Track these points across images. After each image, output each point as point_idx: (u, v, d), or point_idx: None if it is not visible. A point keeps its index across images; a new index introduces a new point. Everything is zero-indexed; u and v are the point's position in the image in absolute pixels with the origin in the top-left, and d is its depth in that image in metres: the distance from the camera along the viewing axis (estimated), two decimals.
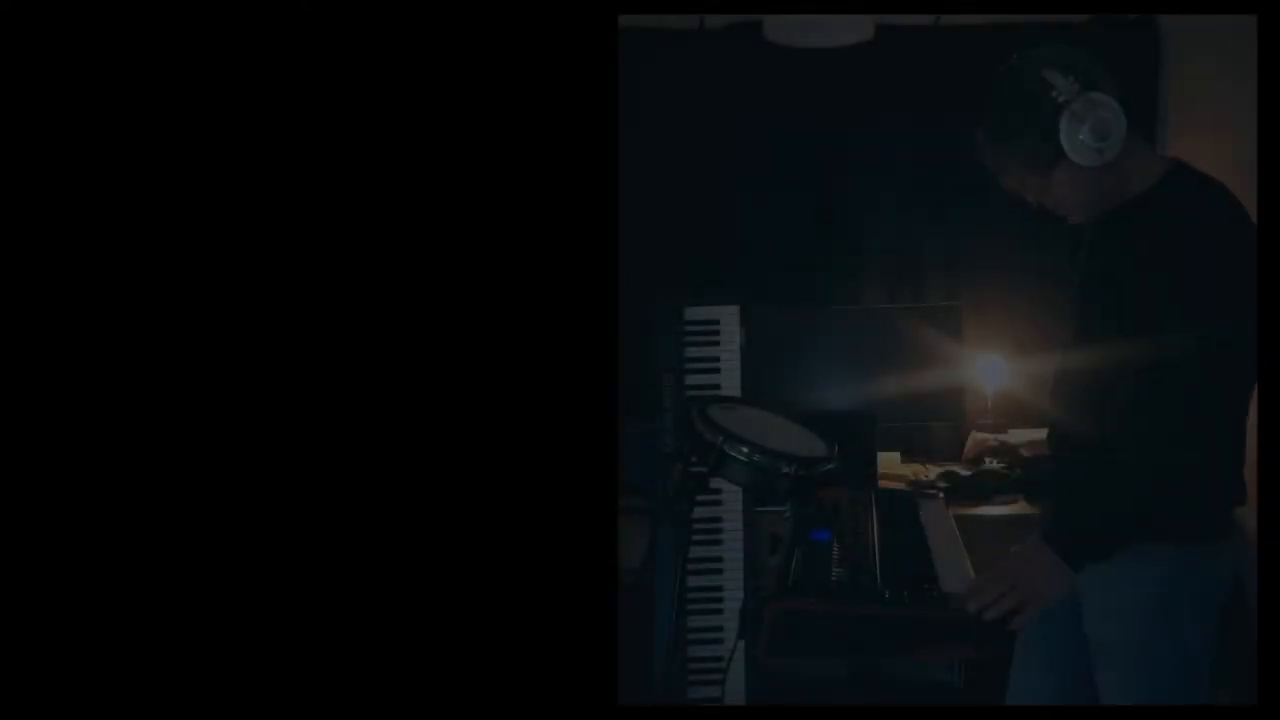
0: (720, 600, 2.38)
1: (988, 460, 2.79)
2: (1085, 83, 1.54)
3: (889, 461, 2.86)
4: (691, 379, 2.41)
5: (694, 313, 2.44)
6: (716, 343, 2.44)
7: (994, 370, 2.98)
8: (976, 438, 2.91)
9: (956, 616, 1.44)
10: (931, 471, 2.83)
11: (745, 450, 1.56)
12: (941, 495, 2.15)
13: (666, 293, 2.46)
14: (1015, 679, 1.84)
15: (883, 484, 2.61)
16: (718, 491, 2.36)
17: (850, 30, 2.69)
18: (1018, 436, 2.87)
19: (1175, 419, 1.52)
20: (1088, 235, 1.62)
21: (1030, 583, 1.52)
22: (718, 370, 2.43)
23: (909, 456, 2.99)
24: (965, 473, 2.75)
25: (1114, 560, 1.58)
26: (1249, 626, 1.72)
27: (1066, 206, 1.65)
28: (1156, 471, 1.54)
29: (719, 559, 2.38)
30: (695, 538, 2.03)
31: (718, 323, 2.44)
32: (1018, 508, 2.60)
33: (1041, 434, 2.80)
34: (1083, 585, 1.67)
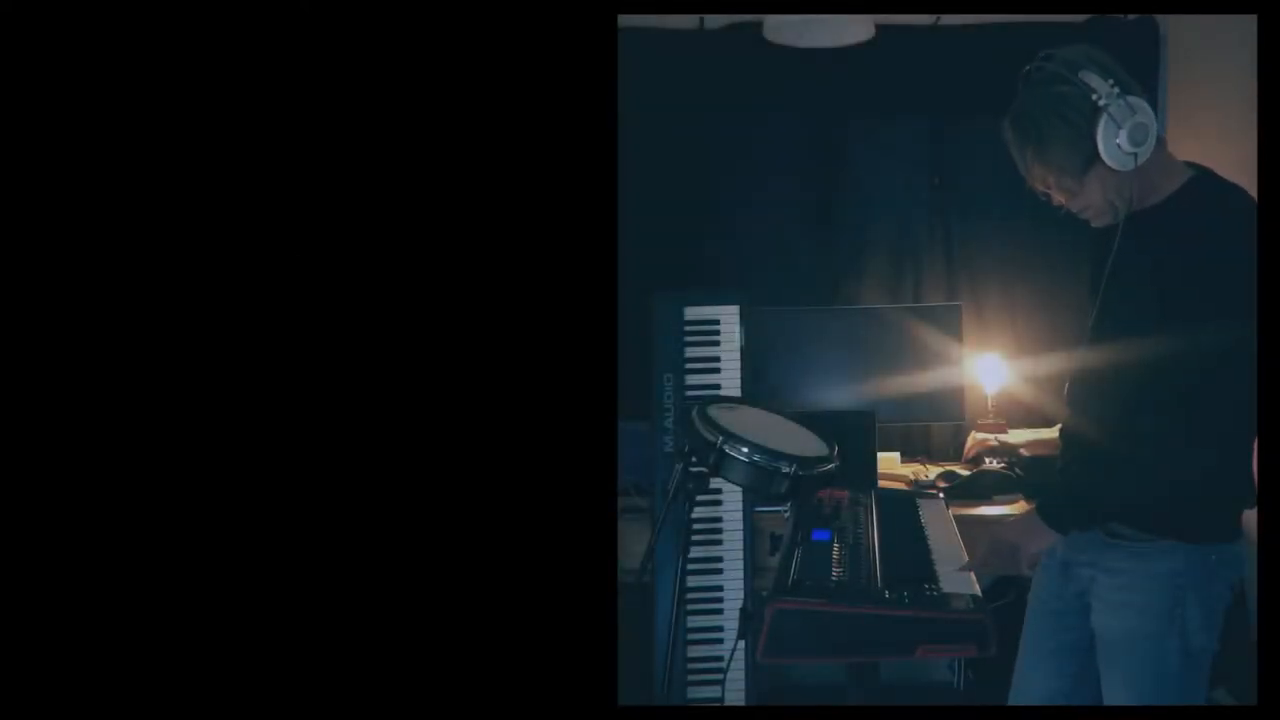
0: (720, 600, 2.39)
1: (988, 460, 2.79)
2: (1122, 86, 1.54)
3: (889, 461, 2.86)
4: (691, 379, 2.42)
5: (694, 313, 2.44)
6: (716, 343, 2.44)
7: (994, 370, 2.98)
8: (976, 438, 2.91)
9: (956, 616, 1.44)
10: (931, 471, 2.83)
11: (745, 450, 1.56)
12: (941, 495, 2.14)
13: (666, 293, 2.46)
14: (1019, 678, 1.84)
15: (883, 484, 2.61)
16: (718, 491, 2.36)
17: (850, 30, 2.69)
18: (1018, 436, 2.87)
19: (1196, 419, 1.53)
20: (1118, 238, 1.61)
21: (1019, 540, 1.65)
22: (718, 370, 2.44)
23: (909, 456, 2.99)
24: (965, 473, 2.75)
25: (1125, 556, 1.61)
26: (1249, 627, 1.72)
27: (1093, 210, 1.63)
28: (1172, 470, 1.55)
29: (719, 559, 2.39)
30: (695, 538, 2.03)
31: (718, 323, 2.45)
32: (1018, 508, 2.60)
33: (1041, 434, 2.80)
34: (1092, 582, 1.68)
